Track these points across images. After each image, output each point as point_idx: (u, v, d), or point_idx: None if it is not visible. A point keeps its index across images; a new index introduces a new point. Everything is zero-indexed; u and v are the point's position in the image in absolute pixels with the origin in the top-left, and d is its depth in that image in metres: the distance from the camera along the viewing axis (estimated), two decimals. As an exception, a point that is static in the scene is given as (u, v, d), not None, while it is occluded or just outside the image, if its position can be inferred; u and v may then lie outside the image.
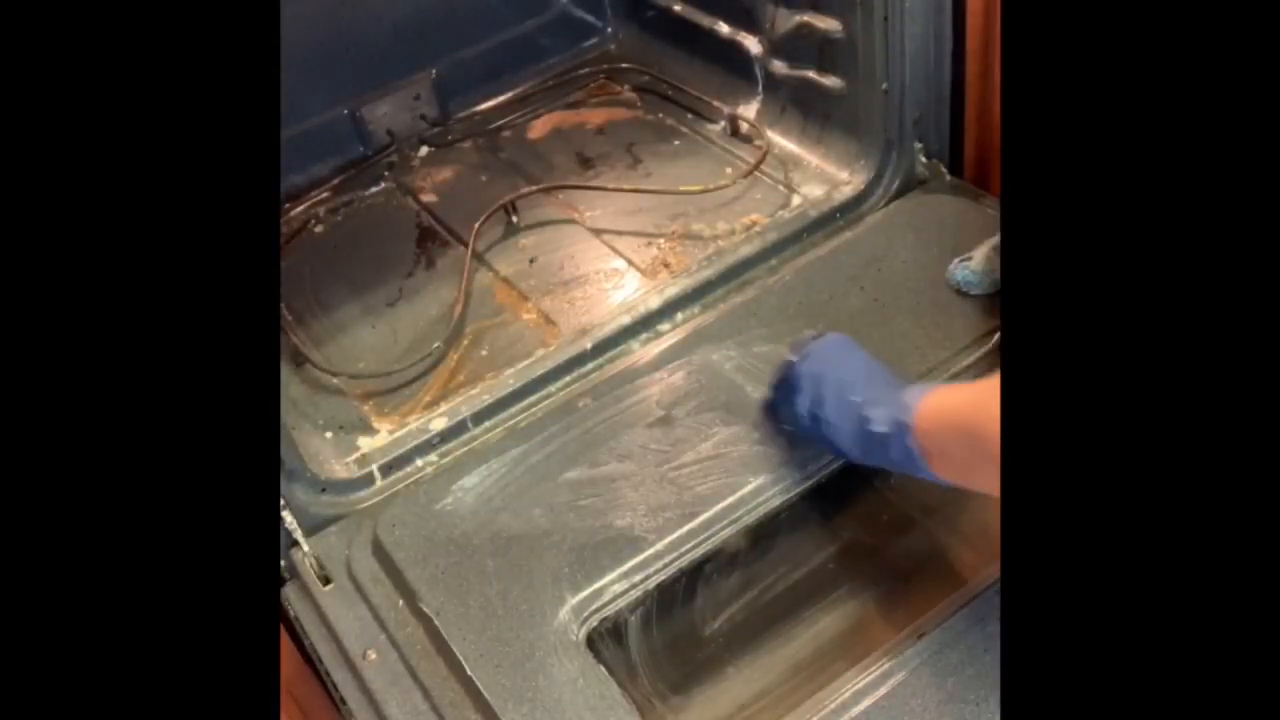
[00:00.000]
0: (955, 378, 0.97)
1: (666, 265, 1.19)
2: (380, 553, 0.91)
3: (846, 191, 1.21)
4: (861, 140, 1.22)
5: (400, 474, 1.00)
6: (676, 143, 1.40)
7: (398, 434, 1.04)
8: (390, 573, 0.89)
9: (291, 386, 1.12)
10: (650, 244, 1.23)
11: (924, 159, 1.19)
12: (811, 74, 1.27)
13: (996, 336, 1.00)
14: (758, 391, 0.97)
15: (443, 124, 1.49)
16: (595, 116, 1.47)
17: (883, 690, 0.77)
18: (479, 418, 1.04)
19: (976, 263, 1.04)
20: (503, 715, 0.78)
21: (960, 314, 1.03)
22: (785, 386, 0.91)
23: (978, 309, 1.03)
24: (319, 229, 1.36)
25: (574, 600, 0.85)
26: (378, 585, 0.89)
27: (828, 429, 0.85)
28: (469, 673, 0.81)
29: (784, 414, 0.92)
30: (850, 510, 0.95)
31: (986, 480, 0.72)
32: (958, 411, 0.76)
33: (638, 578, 0.86)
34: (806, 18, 1.24)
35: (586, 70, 1.55)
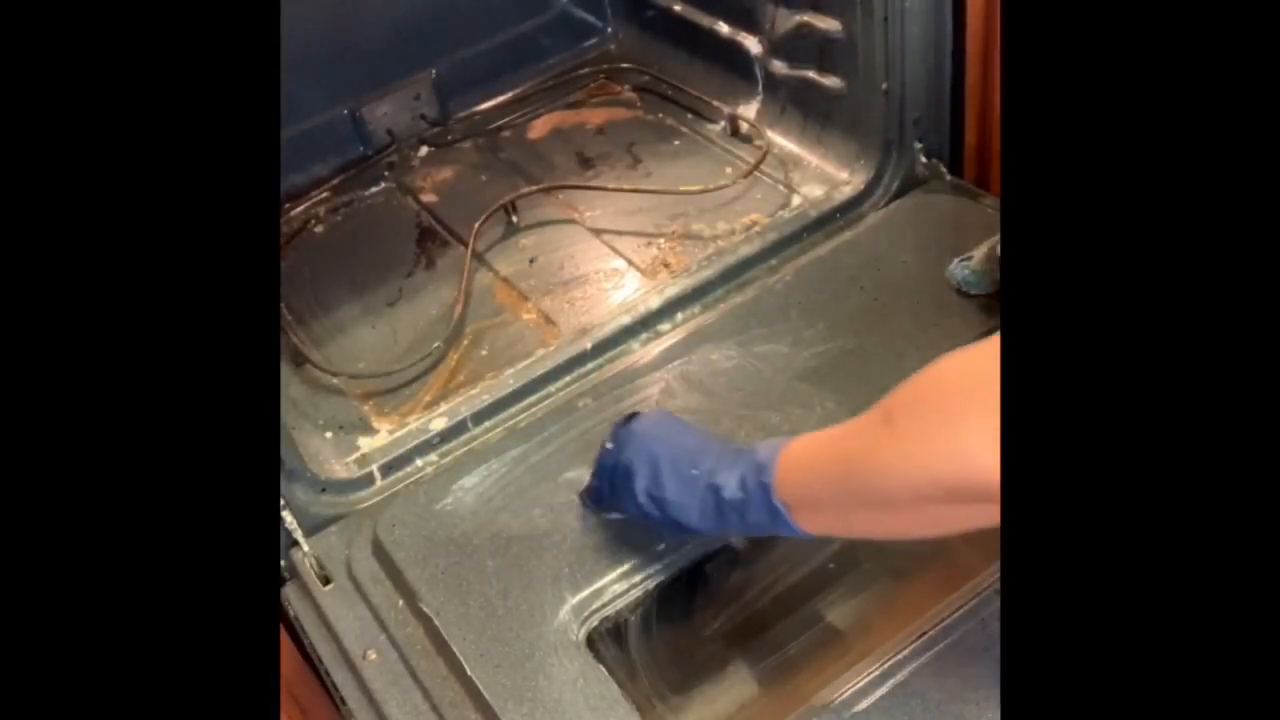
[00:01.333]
0: (955, 378, 0.97)
1: (666, 265, 1.19)
2: (380, 553, 0.91)
3: (846, 191, 1.21)
4: (861, 140, 1.22)
5: (400, 474, 1.00)
6: (676, 143, 1.40)
7: (398, 434, 1.04)
8: (390, 573, 0.89)
9: (291, 386, 1.12)
10: (650, 244, 1.23)
11: (924, 159, 1.19)
12: (811, 74, 1.27)
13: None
14: (757, 393, 0.97)
15: (443, 124, 1.49)
16: (595, 116, 1.47)
17: (883, 690, 0.77)
18: (479, 418, 1.04)
19: (976, 262, 1.04)
20: (503, 715, 0.78)
21: (960, 314, 1.03)
22: (613, 476, 0.84)
23: (978, 309, 1.03)
24: (319, 229, 1.36)
25: (574, 600, 0.85)
26: (378, 585, 0.89)
27: (672, 509, 0.79)
28: (469, 673, 0.81)
29: (616, 504, 0.86)
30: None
31: (862, 522, 0.71)
32: (820, 457, 0.72)
33: (638, 578, 0.86)
34: (806, 18, 1.24)
35: (586, 70, 1.55)
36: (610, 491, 0.85)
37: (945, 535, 0.74)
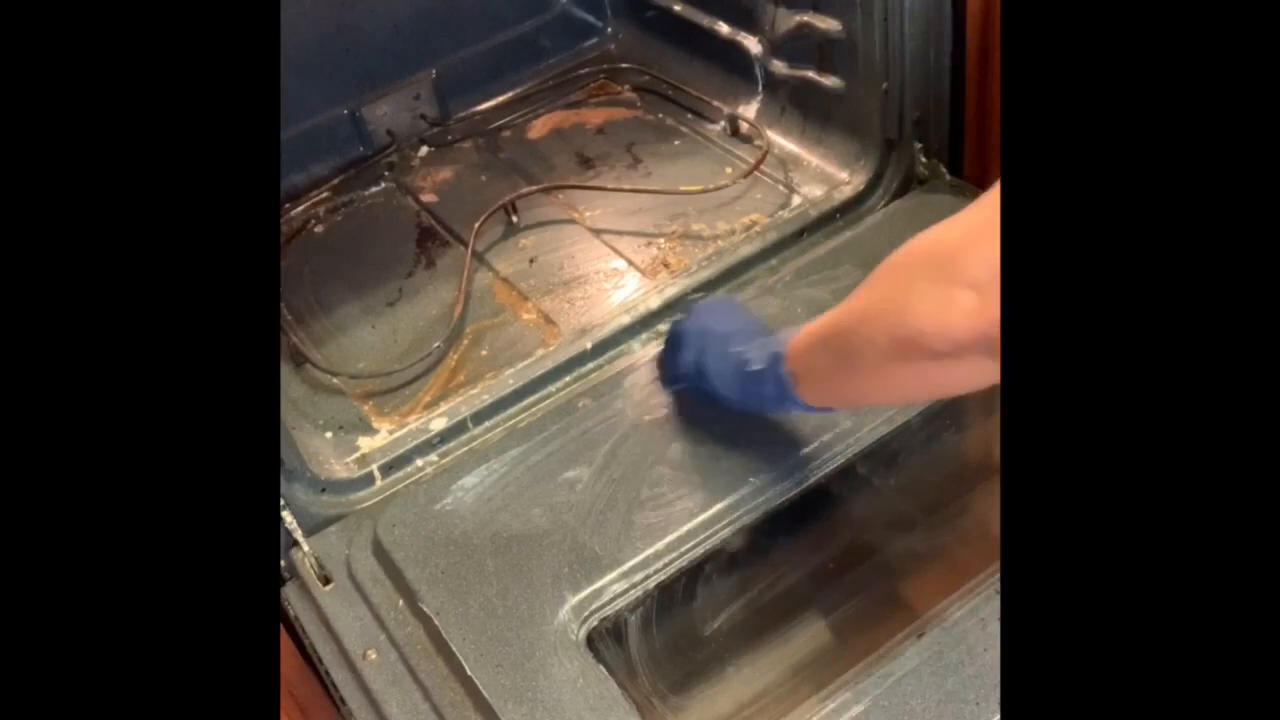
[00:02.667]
0: (955, 378, 0.97)
1: (666, 265, 1.19)
2: (380, 553, 0.91)
3: (846, 191, 1.21)
4: (861, 140, 1.22)
5: (400, 474, 1.00)
6: (676, 143, 1.40)
7: (398, 434, 1.04)
8: (390, 573, 0.89)
9: (291, 386, 1.12)
10: (650, 244, 1.23)
11: (924, 159, 1.19)
12: (811, 74, 1.27)
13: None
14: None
15: (443, 124, 1.49)
16: (595, 116, 1.47)
17: (883, 690, 0.77)
18: (479, 418, 1.04)
19: None
20: (503, 715, 0.78)
21: (960, 314, 1.03)
22: (673, 343, 0.96)
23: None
24: (319, 229, 1.36)
25: (574, 600, 0.85)
26: (378, 585, 0.89)
27: (712, 377, 0.89)
28: (469, 673, 0.81)
29: (670, 369, 0.97)
30: (850, 510, 0.95)
31: (847, 388, 0.79)
32: (819, 331, 0.79)
33: (638, 578, 0.86)
34: (806, 18, 1.24)
35: (586, 70, 1.55)
36: (669, 355, 0.97)
37: (910, 401, 0.89)
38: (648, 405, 0.99)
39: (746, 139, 1.36)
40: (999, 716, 0.73)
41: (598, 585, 0.85)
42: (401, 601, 0.88)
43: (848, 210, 1.19)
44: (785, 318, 1.05)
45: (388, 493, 0.99)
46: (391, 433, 1.05)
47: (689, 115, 1.43)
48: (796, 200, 1.25)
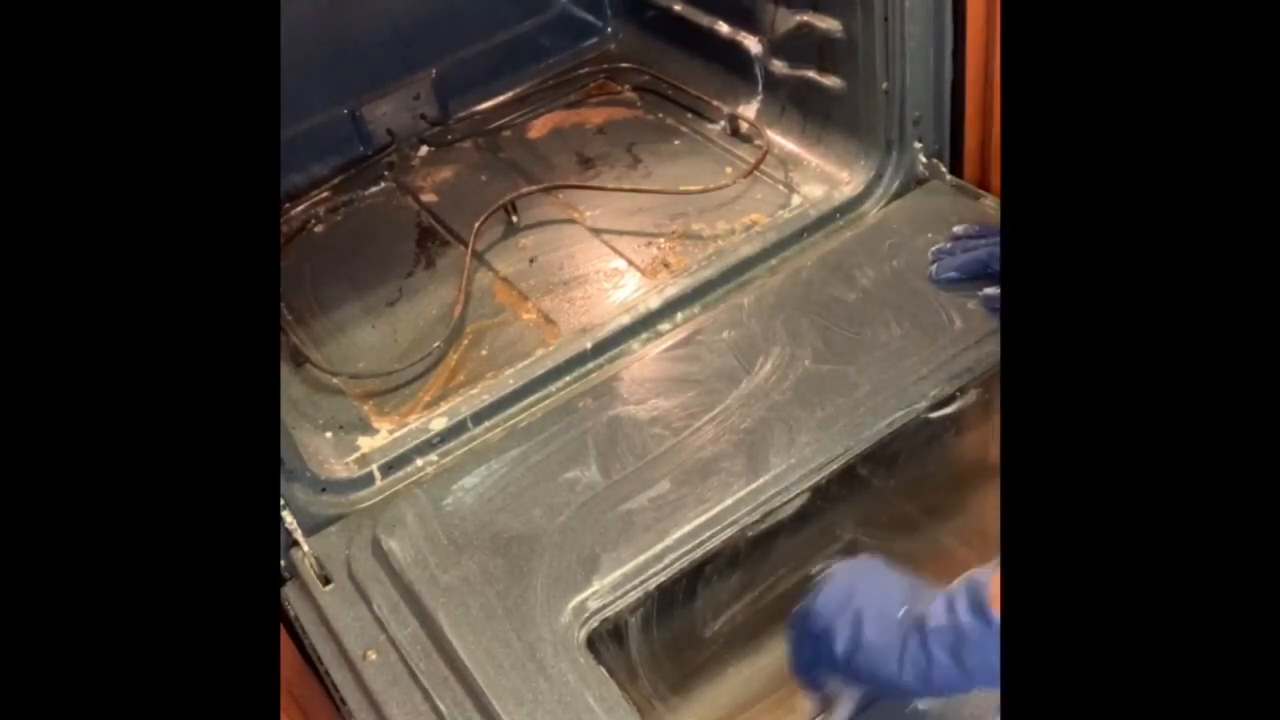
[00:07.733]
0: (956, 378, 0.97)
1: (666, 265, 1.19)
2: (380, 553, 0.91)
3: (846, 191, 1.21)
4: (861, 140, 1.22)
5: (400, 474, 1.00)
6: (676, 143, 1.40)
7: (398, 434, 1.04)
8: (390, 573, 0.90)
9: (291, 386, 1.12)
10: (650, 244, 1.23)
11: (924, 159, 1.19)
12: (811, 74, 1.27)
13: (997, 336, 1.00)
14: (757, 394, 0.97)
15: (443, 124, 1.49)
16: (595, 116, 1.47)
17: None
18: (479, 418, 1.04)
19: None
20: (503, 715, 0.78)
21: (961, 314, 1.03)
22: (802, 631, 0.74)
23: (979, 311, 1.03)
24: (319, 229, 1.36)
25: (574, 600, 0.85)
26: (378, 585, 0.89)
27: (875, 655, 0.68)
28: (469, 673, 0.81)
29: (803, 663, 0.75)
30: (850, 510, 0.95)
31: None
32: None
33: (638, 578, 0.86)
34: (806, 17, 1.24)
35: (586, 70, 1.55)
36: (797, 649, 0.75)
37: None
38: None
39: (746, 139, 1.36)
40: (999, 718, 0.73)
41: (598, 586, 0.85)
42: (401, 601, 0.88)
43: (848, 210, 1.19)
44: (784, 319, 1.05)
45: (388, 493, 0.99)
46: (391, 433, 1.05)
47: (689, 115, 1.43)
48: (796, 200, 1.25)
